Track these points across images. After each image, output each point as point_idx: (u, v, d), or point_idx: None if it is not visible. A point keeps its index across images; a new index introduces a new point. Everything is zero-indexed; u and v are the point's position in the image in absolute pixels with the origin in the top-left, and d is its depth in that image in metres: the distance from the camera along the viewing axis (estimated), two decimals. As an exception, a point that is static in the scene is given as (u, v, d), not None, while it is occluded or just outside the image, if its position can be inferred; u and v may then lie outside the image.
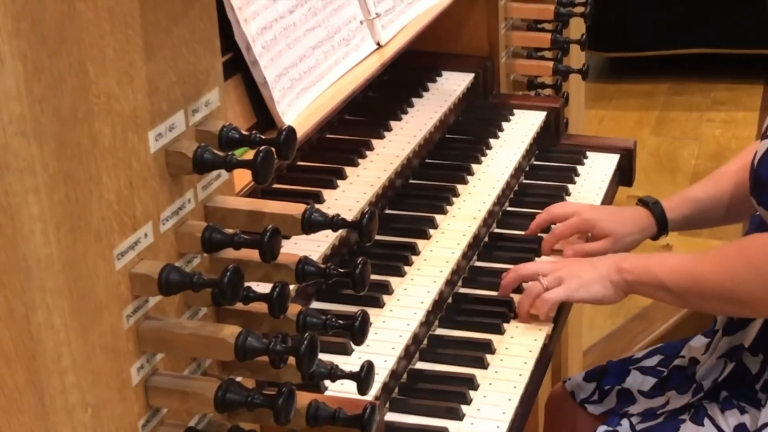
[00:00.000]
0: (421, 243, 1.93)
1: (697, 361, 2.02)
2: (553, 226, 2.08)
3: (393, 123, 2.19)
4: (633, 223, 2.05)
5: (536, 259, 2.02)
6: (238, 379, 1.24)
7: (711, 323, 2.03)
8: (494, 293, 1.91)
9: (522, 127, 2.39)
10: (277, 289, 1.16)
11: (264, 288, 1.18)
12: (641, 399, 2.03)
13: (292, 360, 1.16)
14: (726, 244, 1.84)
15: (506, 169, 2.21)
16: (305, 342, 1.15)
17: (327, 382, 1.48)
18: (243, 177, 1.31)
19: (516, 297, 1.88)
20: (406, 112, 2.25)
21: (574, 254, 2.00)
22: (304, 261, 1.23)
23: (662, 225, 2.06)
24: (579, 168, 2.36)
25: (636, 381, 2.06)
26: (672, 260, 1.86)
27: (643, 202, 2.10)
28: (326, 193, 1.91)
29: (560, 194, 2.25)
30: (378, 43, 2.02)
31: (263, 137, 1.19)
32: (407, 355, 1.71)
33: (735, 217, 2.13)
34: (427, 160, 2.24)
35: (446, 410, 1.61)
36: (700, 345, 2.05)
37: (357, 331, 1.24)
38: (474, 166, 2.20)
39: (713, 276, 1.76)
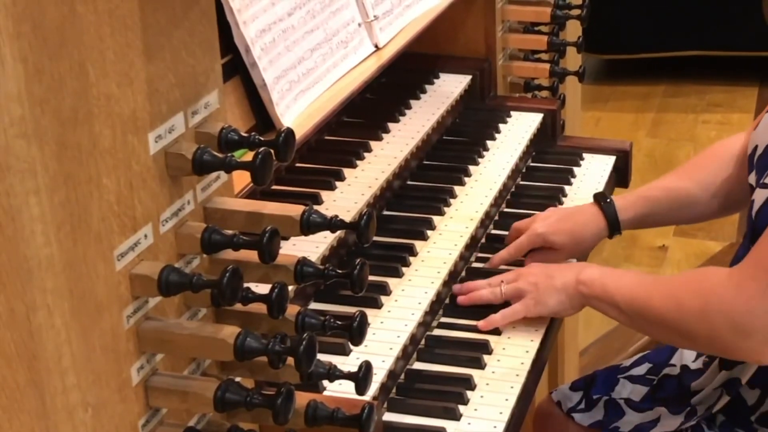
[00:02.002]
0: (418, 244, 1.94)
1: (689, 368, 2.02)
2: None
3: (391, 125, 2.20)
4: (585, 231, 2.02)
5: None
6: (238, 379, 1.24)
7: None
8: (491, 294, 1.92)
9: (519, 129, 2.40)
10: (275, 290, 1.17)
11: (263, 289, 1.18)
12: (630, 412, 2.02)
13: (290, 360, 1.17)
14: (683, 272, 1.79)
15: (503, 171, 2.22)
16: (304, 342, 1.16)
17: (325, 383, 1.49)
18: (242, 178, 1.31)
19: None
20: (403, 114, 2.26)
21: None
22: (303, 262, 1.23)
23: (614, 226, 2.04)
24: (575, 169, 2.36)
25: (625, 390, 2.06)
26: (628, 279, 1.81)
27: (597, 199, 2.06)
28: (324, 195, 1.91)
29: (557, 195, 2.26)
30: (376, 46, 2.03)
31: (262, 139, 1.20)
32: (405, 355, 1.71)
33: (709, 213, 2.09)
34: (425, 162, 2.24)
35: (444, 410, 1.62)
36: (692, 353, 2.04)
37: (355, 331, 1.24)
38: (471, 168, 2.21)
39: (661, 304, 1.73)
